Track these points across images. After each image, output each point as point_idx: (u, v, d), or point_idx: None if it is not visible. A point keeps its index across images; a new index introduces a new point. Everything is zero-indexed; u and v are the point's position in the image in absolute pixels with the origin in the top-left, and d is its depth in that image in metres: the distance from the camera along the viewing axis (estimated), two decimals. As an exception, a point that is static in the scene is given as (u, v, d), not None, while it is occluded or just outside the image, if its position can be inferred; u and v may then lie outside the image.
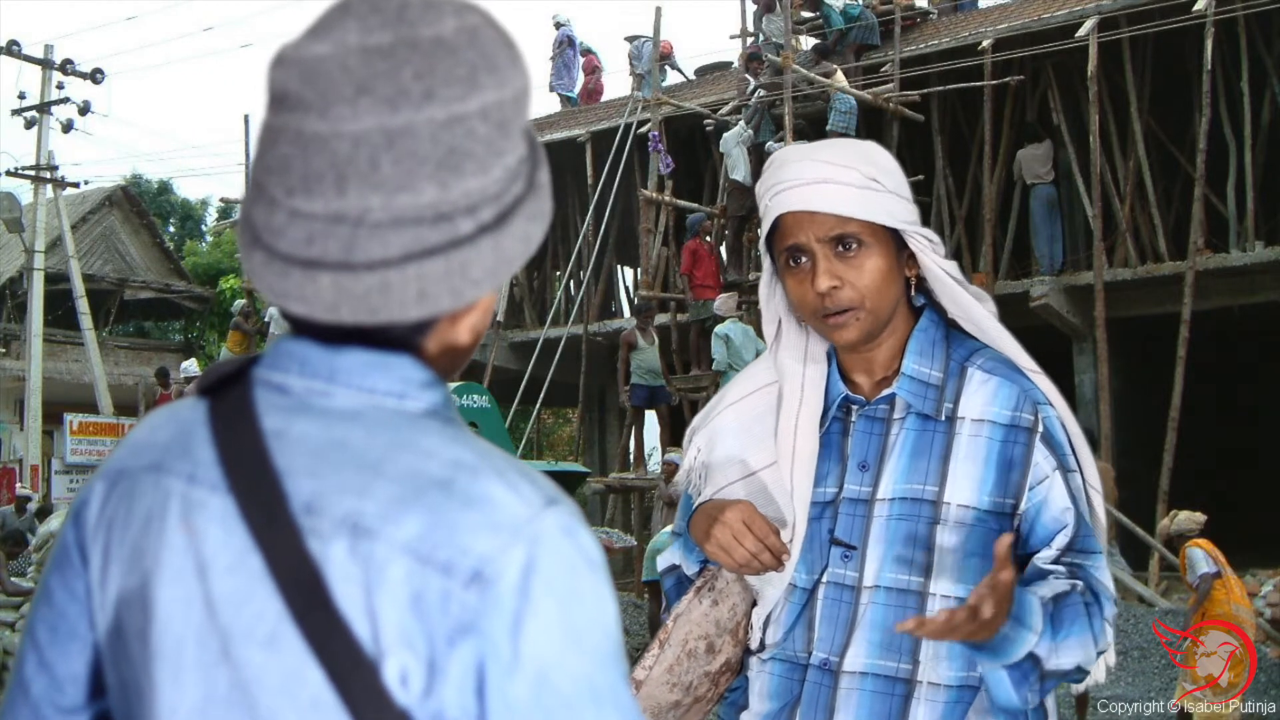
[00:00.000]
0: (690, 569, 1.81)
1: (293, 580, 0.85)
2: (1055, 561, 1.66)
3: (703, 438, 1.86)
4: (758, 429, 1.79)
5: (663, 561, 1.87)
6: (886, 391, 1.72)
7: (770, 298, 1.79)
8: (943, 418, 1.68)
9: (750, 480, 1.77)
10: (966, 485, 1.65)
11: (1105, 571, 1.68)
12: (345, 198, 0.85)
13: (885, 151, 1.72)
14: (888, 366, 1.74)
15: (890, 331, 1.72)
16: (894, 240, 1.68)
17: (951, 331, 1.76)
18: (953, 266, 1.71)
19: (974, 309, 1.73)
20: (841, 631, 1.65)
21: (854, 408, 1.74)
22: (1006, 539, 1.45)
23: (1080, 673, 1.63)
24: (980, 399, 1.68)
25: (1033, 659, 1.55)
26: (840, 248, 1.64)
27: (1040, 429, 1.67)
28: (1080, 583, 1.64)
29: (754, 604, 1.76)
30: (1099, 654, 1.64)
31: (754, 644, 1.75)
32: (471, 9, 0.90)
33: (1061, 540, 1.66)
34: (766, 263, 1.76)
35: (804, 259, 1.66)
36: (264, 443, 0.90)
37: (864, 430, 1.72)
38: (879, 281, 1.65)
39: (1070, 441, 1.71)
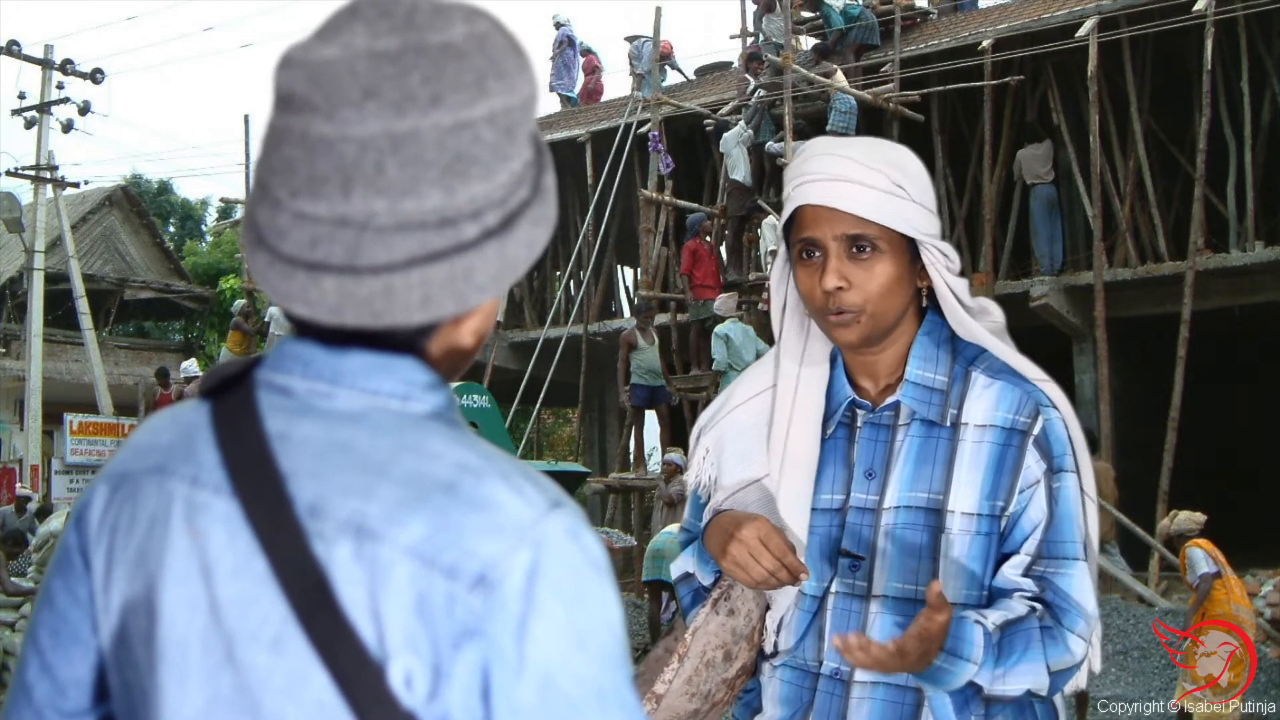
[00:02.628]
0: (705, 579, 1.80)
1: (297, 583, 0.84)
2: (1026, 571, 1.64)
3: (710, 438, 1.85)
4: (762, 433, 1.78)
5: (676, 570, 1.86)
6: (891, 399, 1.71)
7: (781, 282, 1.79)
8: (947, 424, 1.67)
9: (757, 487, 1.77)
10: (969, 492, 1.64)
11: (1080, 580, 1.64)
12: (350, 201, 0.85)
13: (916, 159, 1.71)
14: (893, 372, 1.73)
15: (896, 337, 1.71)
16: (910, 249, 1.67)
17: (957, 335, 1.74)
18: (961, 286, 1.70)
19: (977, 330, 1.71)
20: None
21: (860, 413, 1.74)
22: (935, 586, 1.47)
23: (1032, 695, 1.62)
24: (984, 404, 1.67)
25: (974, 685, 1.56)
26: (854, 249, 1.64)
27: (1036, 431, 1.65)
28: (1040, 606, 1.62)
29: (767, 609, 1.75)
30: (1062, 671, 1.62)
31: (767, 648, 1.75)
32: (481, 15, 0.90)
33: (1031, 545, 1.64)
34: (782, 249, 1.76)
35: (817, 253, 1.66)
36: (268, 445, 0.89)
37: (870, 437, 1.72)
38: (886, 287, 1.65)
39: (1072, 444, 1.69)
